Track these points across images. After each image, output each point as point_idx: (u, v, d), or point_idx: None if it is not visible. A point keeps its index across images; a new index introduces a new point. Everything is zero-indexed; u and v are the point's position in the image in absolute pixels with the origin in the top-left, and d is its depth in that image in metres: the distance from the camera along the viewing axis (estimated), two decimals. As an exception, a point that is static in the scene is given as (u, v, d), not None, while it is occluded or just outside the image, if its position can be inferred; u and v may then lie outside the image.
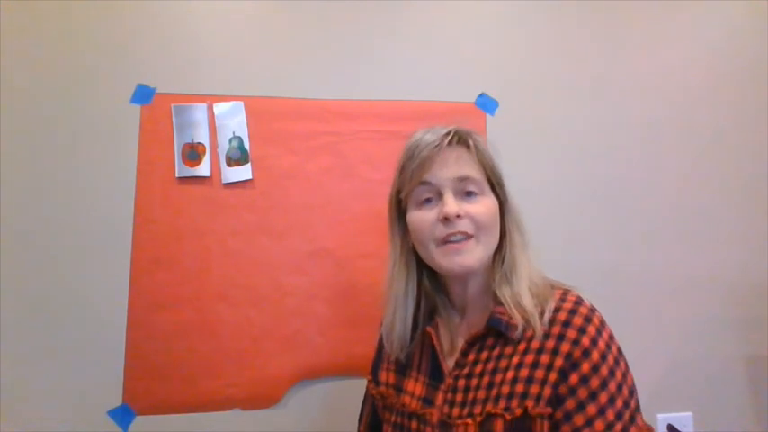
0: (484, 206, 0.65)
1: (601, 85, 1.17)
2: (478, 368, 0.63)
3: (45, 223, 0.97)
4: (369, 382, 0.81)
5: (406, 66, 1.10)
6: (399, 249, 0.71)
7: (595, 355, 0.57)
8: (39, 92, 0.99)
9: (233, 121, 1.03)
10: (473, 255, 0.64)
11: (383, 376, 0.75)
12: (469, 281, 0.68)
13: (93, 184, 0.99)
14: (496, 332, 0.63)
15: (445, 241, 0.64)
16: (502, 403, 0.59)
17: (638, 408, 0.59)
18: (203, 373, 0.98)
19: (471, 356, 0.65)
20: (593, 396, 0.56)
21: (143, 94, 1.02)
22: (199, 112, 1.02)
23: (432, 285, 0.72)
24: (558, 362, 0.58)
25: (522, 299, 0.62)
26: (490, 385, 0.61)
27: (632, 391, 0.59)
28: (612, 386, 0.57)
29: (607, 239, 1.13)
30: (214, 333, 0.99)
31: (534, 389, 0.58)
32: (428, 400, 0.66)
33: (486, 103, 1.12)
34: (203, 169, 1.01)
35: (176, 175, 1.00)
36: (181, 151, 1.01)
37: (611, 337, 0.60)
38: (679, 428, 1.10)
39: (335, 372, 1.02)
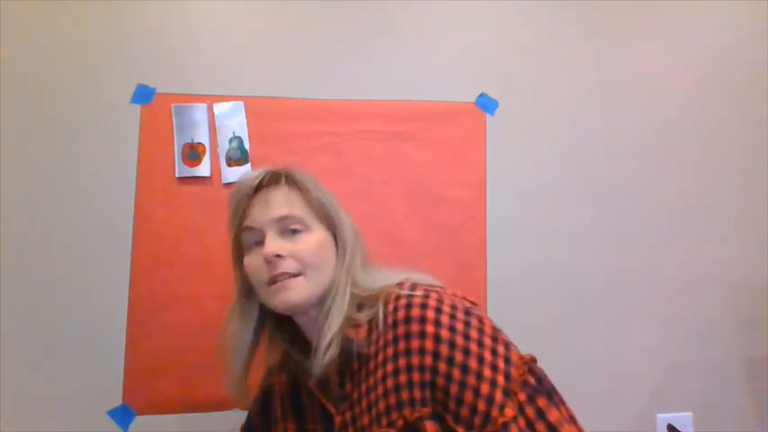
0: (307, 243, 0.65)
1: (601, 85, 1.17)
2: (356, 395, 0.63)
3: (45, 223, 0.97)
4: None
5: (406, 66, 1.10)
6: (237, 295, 0.71)
7: (445, 334, 0.56)
8: (39, 92, 0.99)
9: (233, 121, 1.03)
10: (299, 292, 0.64)
11: None
12: (318, 317, 0.66)
13: (93, 184, 0.99)
14: (358, 354, 0.63)
15: (272, 281, 0.64)
16: (383, 420, 0.58)
17: (507, 346, 0.58)
18: (203, 373, 0.98)
19: (348, 386, 0.64)
20: (465, 369, 0.55)
21: (143, 94, 1.02)
22: (199, 112, 1.02)
23: (285, 330, 0.72)
24: (415, 360, 0.57)
25: (331, 324, 0.62)
26: (369, 407, 0.61)
27: (494, 337, 0.58)
28: (474, 347, 0.56)
29: (607, 239, 1.13)
30: (214, 333, 0.98)
31: (404, 394, 0.57)
32: None
33: (486, 103, 1.12)
34: (203, 169, 1.01)
35: (176, 175, 1.00)
36: (181, 151, 1.01)
37: (452, 306, 0.59)
38: (679, 428, 1.10)
39: (335, 372, 1.02)
